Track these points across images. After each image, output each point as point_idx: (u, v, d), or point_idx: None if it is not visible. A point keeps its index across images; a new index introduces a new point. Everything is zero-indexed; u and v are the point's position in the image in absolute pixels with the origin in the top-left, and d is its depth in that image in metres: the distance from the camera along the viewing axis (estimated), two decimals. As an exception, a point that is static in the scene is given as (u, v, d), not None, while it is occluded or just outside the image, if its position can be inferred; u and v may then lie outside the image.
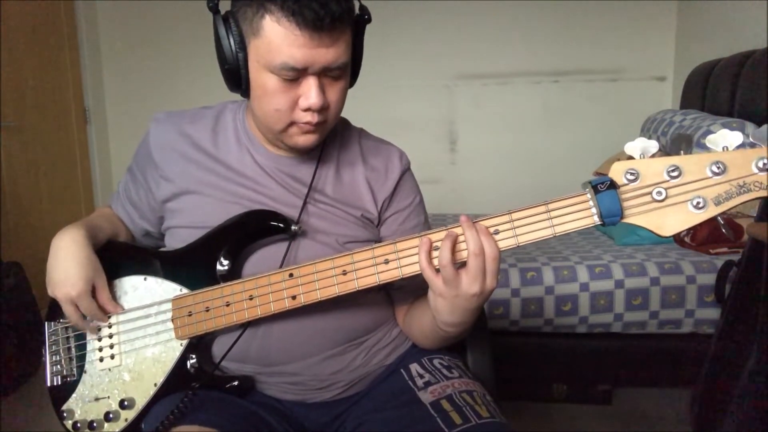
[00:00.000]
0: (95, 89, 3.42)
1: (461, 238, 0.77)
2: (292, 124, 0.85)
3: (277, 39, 0.78)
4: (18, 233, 2.75)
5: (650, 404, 1.99)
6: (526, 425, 1.86)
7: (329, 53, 0.79)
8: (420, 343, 1.01)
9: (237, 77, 0.84)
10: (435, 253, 0.79)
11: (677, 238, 1.98)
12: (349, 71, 0.86)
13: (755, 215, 1.57)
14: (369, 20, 0.87)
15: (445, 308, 0.81)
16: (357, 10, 0.85)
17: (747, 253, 1.50)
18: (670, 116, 2.36)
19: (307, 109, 0.83)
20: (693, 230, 1.92)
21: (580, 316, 1.83)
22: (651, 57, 3.06)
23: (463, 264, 0.77)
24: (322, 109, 0.84)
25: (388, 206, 0.99)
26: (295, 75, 0.80)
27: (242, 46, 0.82)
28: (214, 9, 0.83)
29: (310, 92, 0.81)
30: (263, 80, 0.82)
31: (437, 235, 0.79)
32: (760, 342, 1.29)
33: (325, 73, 0.82)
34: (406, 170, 1.02)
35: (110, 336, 0.96)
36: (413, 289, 0.99)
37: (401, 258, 0.81)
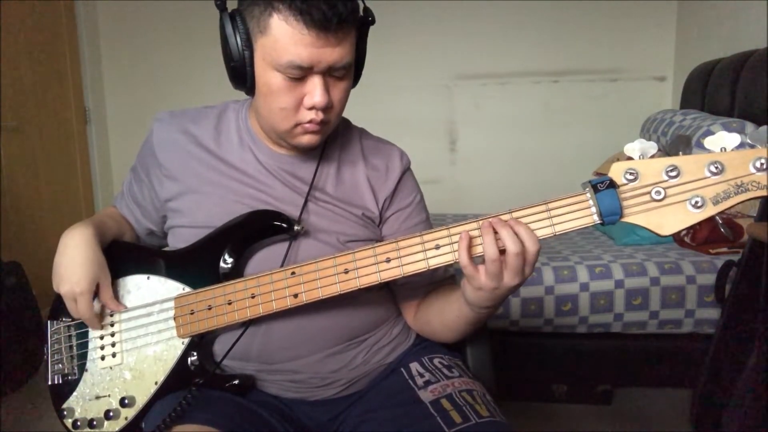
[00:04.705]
0: (95, 89, 3.41)
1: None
2: (296, 125, 0.86)
3: (284, 37, 0.79)
4: (18, 233, 2.75)
5: (650, 404, 1.99)
6: (526, 425, 1.86)
7: (335, 53, 0.80)
8: (439, 337, 1.00)
9: (243, 75, 0.84)
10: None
11: (677, 238, 1.98)
12: (352, 71, 0.88)
13: (755, 215, 1.58)
14: (373, 22, 0.87)
15: (482, 299, 0.81)
16: (361, 12, 0.86)
17: (747, 253, 1.50)
18: (670, 116, 2.36)
19: (312, 108, 0.84)
20: (693, 230, 1.93)
21: (580, 316, 1.83)
22: (651, 57, 3.06)
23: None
24: (326, 109, 0.85)
25: (389, 205, 1.00)
26: (300, 74, 0.81)
27: (248, 43, 0.82)
28: (221, 6, 0.84)
29: (315, 91, 0.82)
30: (269, 78, 0.82)
31: (470, 226, 0.78)
32: (760, 342, 1.30)
33: (329, 73, 0.83)
34: (407, 169, 1.02)
35: (112, 334, 0.96)
36: (422, 284, 1.00)
37: (402, 257, 0.81)
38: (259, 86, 0.85)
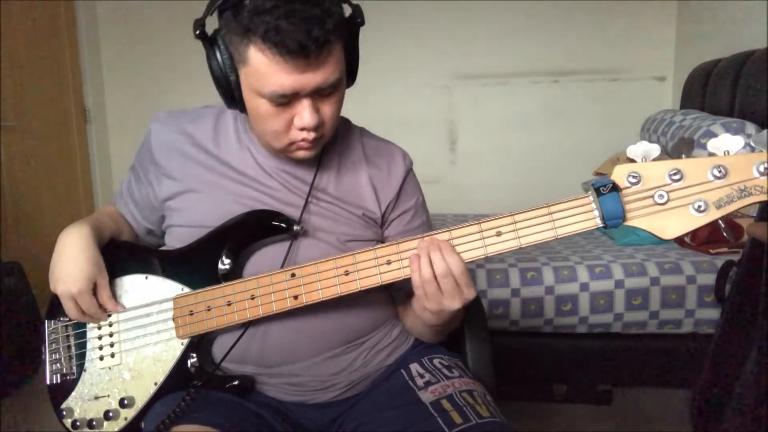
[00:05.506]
0: (95, 89, 3.41)
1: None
2: (290, 144, 0.86)
3: (263, 68, 0.77)
4: (18, 233, 2.74)
5: (650, 404, 1.99)
6: (526, 425, 1.86)
7: (318, 76, 0.79)
8: (422, 339, 1.04)
9: (232, 98, 0.85)
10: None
11: (677, 239, 1.98)
12: (343, 84, 0.86)
13: (755, 215, 1.58)
14: (362, 23, 0.85)
15: (431, 319, 0.87)
16: (350, 9, 0.84)
17: (747, 253, 1.50)
18: (670, 116, 2.36)
19: (302, 129, 0.83)
20: (693, 231, 1.92)
21: (580, 316, 1.83)
22: (651, 57, 3.06)
23: None
24: (318, 126, 0.84)
25: (394, 207, 0.99)
26: (286, 100, 0.80)
27: (233, 69, 0.82)
28: (201, 36, 0.82)
29: (303, 113, 0.81)
30: (256, 105, 0.82)
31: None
32: (760, 342, 1.29)
33: (317, 93, 0.82)
34: (410, 170, 1.02)
35: (110, 335, 0.96)
36: (410, 290, 1.00)
37: (404, 259, 0.81)
38: (249, 110, 0.85)
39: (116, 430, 0.93)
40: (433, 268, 0.78)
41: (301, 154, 0.88)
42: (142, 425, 0.92)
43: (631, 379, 1.95)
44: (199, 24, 0.82)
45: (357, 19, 0.84)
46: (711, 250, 1.88)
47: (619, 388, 2.03)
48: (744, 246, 1.60)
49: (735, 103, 2.15)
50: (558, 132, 3.16)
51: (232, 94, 0.84)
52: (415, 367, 0.98)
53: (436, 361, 0.99)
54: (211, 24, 0.83)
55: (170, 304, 0.92)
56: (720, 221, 0.72)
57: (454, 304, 0.80)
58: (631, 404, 2.00)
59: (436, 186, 3.16)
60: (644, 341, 1.87)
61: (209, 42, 0.82)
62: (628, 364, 1.89)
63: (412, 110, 3.23)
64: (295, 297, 0.85)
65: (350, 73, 0.88)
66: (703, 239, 1.90)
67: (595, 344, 1.89)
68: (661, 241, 1.97)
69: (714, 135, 1.93)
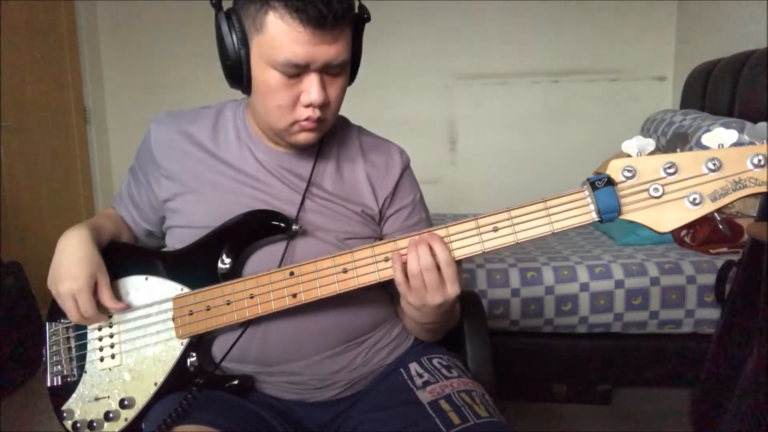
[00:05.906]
0: (95, 89, 3.41)
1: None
2: (294, 123, 0.86)
3: (281, 35, 0.79)
4: (18, 233, 2.74)
5: (650, 404, 1.99)
6: (526, 425, 1.86)
7: (331, 50, 0.81)
8: (419, 337, 1.04)
9: (239, 74, 0.85)
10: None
11: (677, 239, 1.98)
12: (348, 69, 0.88)
13: (755, 215, 1.58)
14: (368, 19, 0.88)
15: (414, 314, 0.87)
16: (356, 9, 0.86)
17: (747, 253, 1.50)
18: (670, 116, 2.36)
19: (309, 105, 0.84)
20: (693, 230, 1.92)
21: (580, 316, 1.83)
22: (651, 57, 3.06)
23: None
24: (323, 106, 0.85)
25: (390, 204, 1.00)
26: (297, 71, 0.82)
27: (244, 42, 0.83)
28: (217, 5, 0.84)
29: (311, 88, 0.82)
30: (266, 76, 0.83)
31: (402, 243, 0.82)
32: (760, 342, 1.29)
33: (326, 70, 0.83)
34: (407, 167, 1.02)
35: (111, 335, 0.96)
36: None
37: (401, 255, 0.81)
38: (256, 85, 0.85)
39: (117, 430, 0.93)
40: (420, 262, 0.78)
41: (303, 136, 0.89)
42: (143, 426, 0.92)
43: (631, 379, 1.95)
44: None
45: (364, 15, 0.87)
46: (711, 250, 1.88)
47: (619, 388, 2.03)
48: (744, 246, 1.60)
49: (735, 103, 2.15)
50: (558, 132, 3.16)
51: (239, 70, 0.84)
52: (414, 367, 0.98)
53: (435, 361, 0.99)
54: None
55: (170, 305, 0.93)
56: (716, 215, 0.72)
57: (435, 299, 0.80)
58: (631, 404, 2.00)
59: (436, 186, 3.16)
60: (644, 341, 1.87)
61: (224, 15, 0.83)
62: (628, 364, 1.89)
63: (412, 110, 3.24)
64: (294, 295, 0.85)
65: (352, 70, 0.90)
66: (703, 239, 1.90)
67: (595, 344, 1.89)
68: (660, 238, 1.99)
69: (714, 135, 1.93)
